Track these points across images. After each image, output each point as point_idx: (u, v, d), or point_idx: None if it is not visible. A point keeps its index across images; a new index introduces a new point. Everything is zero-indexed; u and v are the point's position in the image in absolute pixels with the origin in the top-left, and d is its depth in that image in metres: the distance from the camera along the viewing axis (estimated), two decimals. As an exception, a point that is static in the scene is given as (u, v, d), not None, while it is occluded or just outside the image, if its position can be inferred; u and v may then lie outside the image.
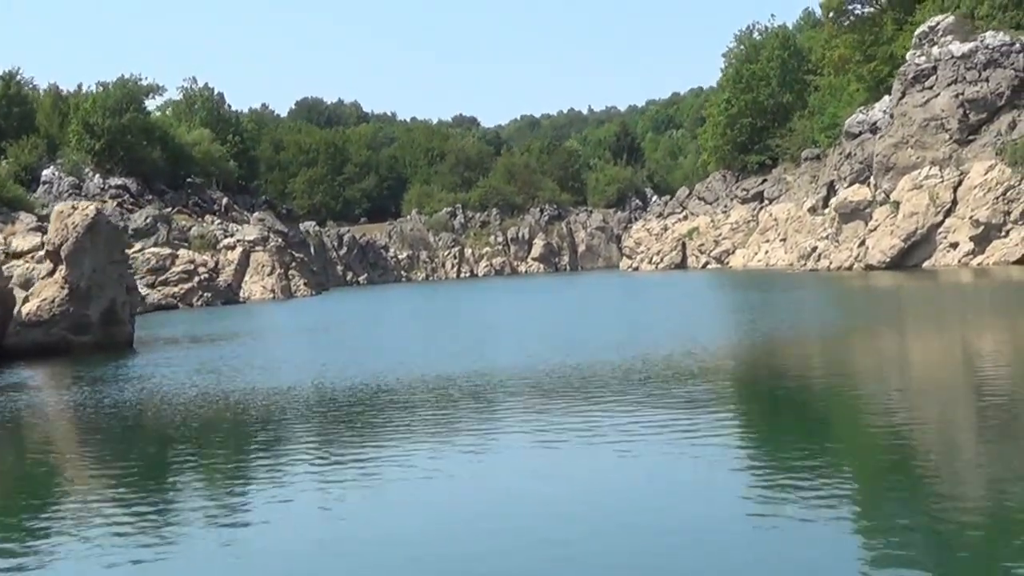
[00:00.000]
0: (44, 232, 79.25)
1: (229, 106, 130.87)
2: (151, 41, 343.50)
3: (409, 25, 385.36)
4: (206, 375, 29.00)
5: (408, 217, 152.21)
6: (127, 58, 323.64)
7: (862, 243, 76.48)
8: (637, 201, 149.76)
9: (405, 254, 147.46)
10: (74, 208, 37.35)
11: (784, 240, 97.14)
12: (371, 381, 25.61)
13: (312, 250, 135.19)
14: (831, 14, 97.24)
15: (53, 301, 36.33)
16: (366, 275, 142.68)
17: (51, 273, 36.97)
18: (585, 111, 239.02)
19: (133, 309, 39.60)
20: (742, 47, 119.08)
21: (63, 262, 36.61)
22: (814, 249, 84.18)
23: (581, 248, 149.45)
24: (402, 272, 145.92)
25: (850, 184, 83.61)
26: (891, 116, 79.20)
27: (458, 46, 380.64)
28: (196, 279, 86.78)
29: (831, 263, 78.64)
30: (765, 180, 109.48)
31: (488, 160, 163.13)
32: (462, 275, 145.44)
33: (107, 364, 33.31)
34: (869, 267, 73.90)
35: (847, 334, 31.94)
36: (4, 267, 76.84)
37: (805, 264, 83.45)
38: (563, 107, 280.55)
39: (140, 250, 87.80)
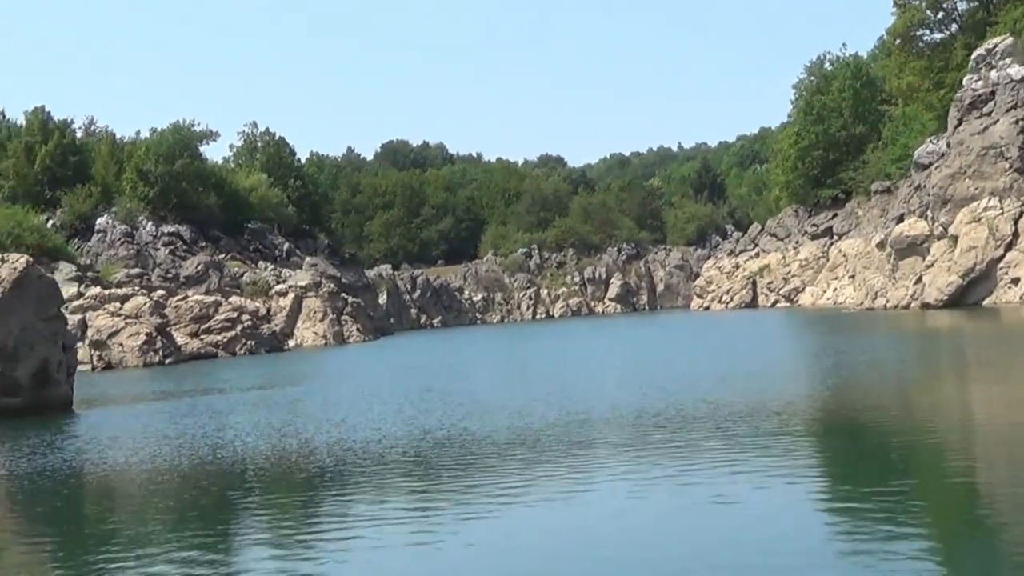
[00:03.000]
0: (82, 282, 78.40)
1: (292, 151, 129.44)
2: (235, 88, 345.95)
3: (495, 65, 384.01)
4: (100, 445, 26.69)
5: (484, 259, 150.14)
6: (209, 105, 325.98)
7: (919, 280, 72.57)
8: (717, 238, 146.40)
9: (480, 296, 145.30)
10: (2, 261, 35.09)
11: (852, 277, 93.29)
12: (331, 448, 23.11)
13: (386, 294, 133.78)
14: (898, 41, 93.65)
15: (-23, 362, 34.05)
16: (440, 318, 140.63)
17: (-23, 331, 34.64)
18: (675, 148, 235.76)
19: (71, 369, 37.09)
20: (812, 78, 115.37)
21: (-12, 319, 34.31)
22: (876, 287, 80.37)
23: (660, 287, 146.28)
24: (477, 314, 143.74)
25: (920, 217, 79.75)
26: (948, 145, 75.27)
27: (545, 85, 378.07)
28: (240, 327, 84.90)
29: (887, 302, 74.81)
30: (835, 215, 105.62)
31: (566, 199, 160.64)
32: (538, 316, 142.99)
33: (23, 431, 31.15)
34: (926, 306, 70.00)
35: (914, 383, 30.00)
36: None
37: (862, 303, 79.60)
38: (653, 144, 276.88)
39: (184, 298, 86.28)
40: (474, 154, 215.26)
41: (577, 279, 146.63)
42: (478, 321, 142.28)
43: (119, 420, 33.34)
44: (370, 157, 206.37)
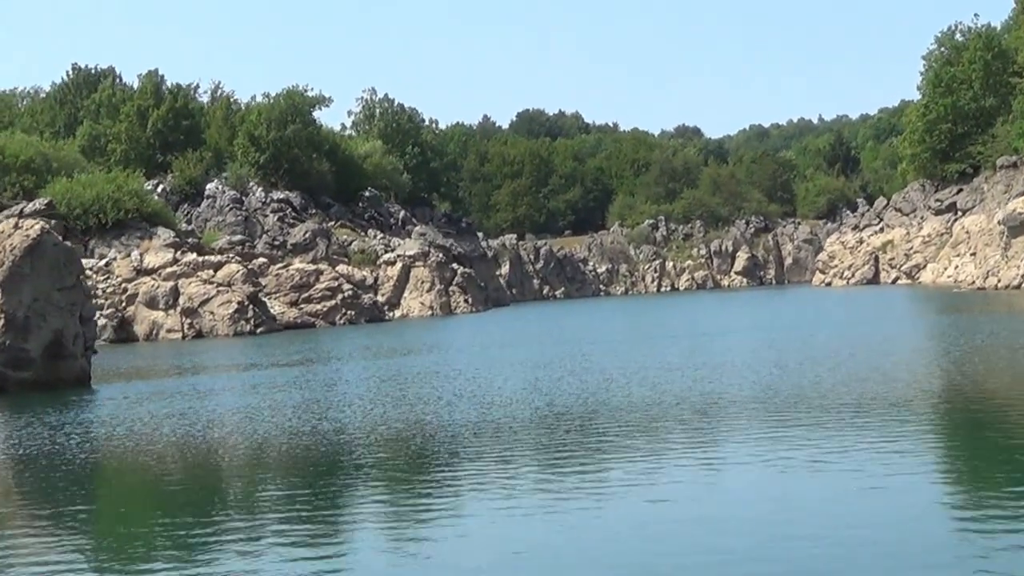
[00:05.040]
0: (176, 249, 78.45)
1: (411, 117, 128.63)
2: (376, 56, 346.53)
3: (632, 34, 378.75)
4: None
5: (610, 230, 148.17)
6: (348, 72, 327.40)
7: (1030, 260, 69.41)
8: (848, 212, 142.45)
9: (604, 267, 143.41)
10: (16, 227, 34.33)
11: (974, 255, 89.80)
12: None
13: (508, 264, 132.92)
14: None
15: (-14, 332, 33.34)
16: (563, 289, 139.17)
17: (-12, 301, 33.89)
18: (815, 120, 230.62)
19: (88, 342, 36.20)
20: (942, 49, 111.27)
21: (-1, 289, 33.58)
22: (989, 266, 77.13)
23: (788, 261, 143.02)
24: (601, 286, 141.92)
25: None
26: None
27: (684, 55, 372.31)
28: (340, 296, 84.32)
29: (999, 281, 71.67)
30: (960, 190, 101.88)
31: (695, 171, 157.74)
32: (663, 289, 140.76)
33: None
34: (1036, 286, 66.94)
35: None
36: (132, 284, 76.42)
37: (974, 283, 76.43)
38: (793, 116, 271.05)
39: (285, 266, 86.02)
40: (610, 124, 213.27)
41: (703, 252, 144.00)
42: (602, 293, 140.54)
43: (131, 399, 32.48)
44: (505, 126, 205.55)
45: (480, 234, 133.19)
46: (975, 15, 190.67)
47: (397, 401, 27.43)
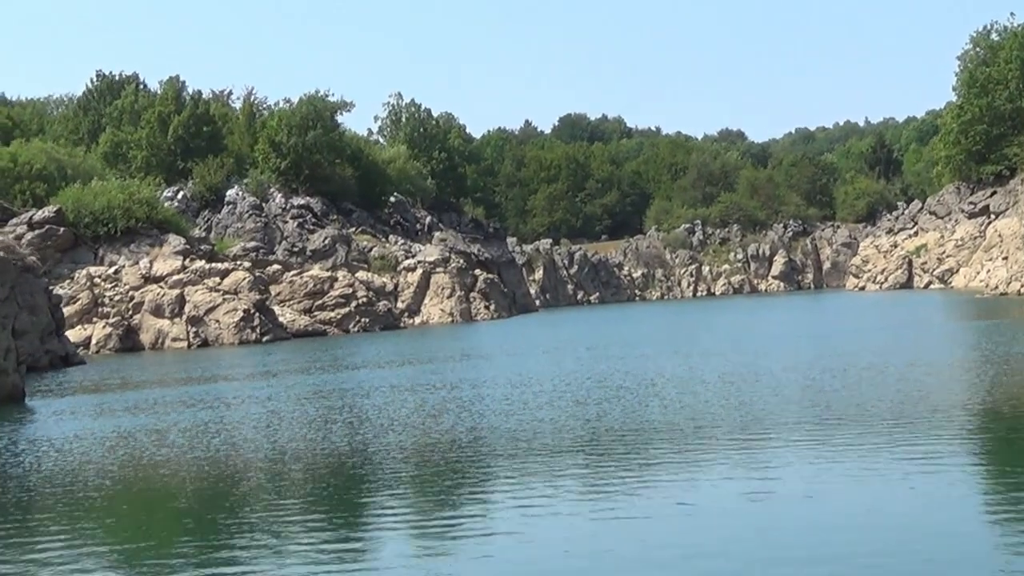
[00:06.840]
0: (186, 256, 77.51)
1: (453, 120, 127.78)
2: (420, 63, 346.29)
3: (677, 40, 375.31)
4: None
5: (646, 234, 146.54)
6: (390, 79, 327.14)
7: (1052, 264, 67.26)
8: (888, 215, 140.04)
9: (640, 272, 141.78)
10: (-50, 239, 33.20)
11: (1007, 258, 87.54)
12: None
13: (542, 269, 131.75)
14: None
15: (-89, 348, 32.06)
16: (598, 294, 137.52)
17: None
18: (861, 123, 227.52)
19: (21, 357, 34.70)
20: (978, 49, 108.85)
21: (-72, 301, 32.35)
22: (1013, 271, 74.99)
23: (826, 265, 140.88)
24: (636, 291, 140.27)
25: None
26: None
27: (728, 60, 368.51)
28: (354, 303, 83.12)
29: (1022, 286, 69.55)
30: (995, 193, 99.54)
31: (732, 174, 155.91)
32: (699, 294, 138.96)
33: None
34: (1057, 292, 64.82)
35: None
36: (139, 292, 75.54)
37: (996, 288, 74.29)
38: (840, 119, 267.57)
39: (299, 273, 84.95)
40: (652, 128, 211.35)
41: (740, 256, 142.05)
42: (637, 298, 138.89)
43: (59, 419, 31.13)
44: (547, 131, 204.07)
45: (513, 239, 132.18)
46: (1011, 14, 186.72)
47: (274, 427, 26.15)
